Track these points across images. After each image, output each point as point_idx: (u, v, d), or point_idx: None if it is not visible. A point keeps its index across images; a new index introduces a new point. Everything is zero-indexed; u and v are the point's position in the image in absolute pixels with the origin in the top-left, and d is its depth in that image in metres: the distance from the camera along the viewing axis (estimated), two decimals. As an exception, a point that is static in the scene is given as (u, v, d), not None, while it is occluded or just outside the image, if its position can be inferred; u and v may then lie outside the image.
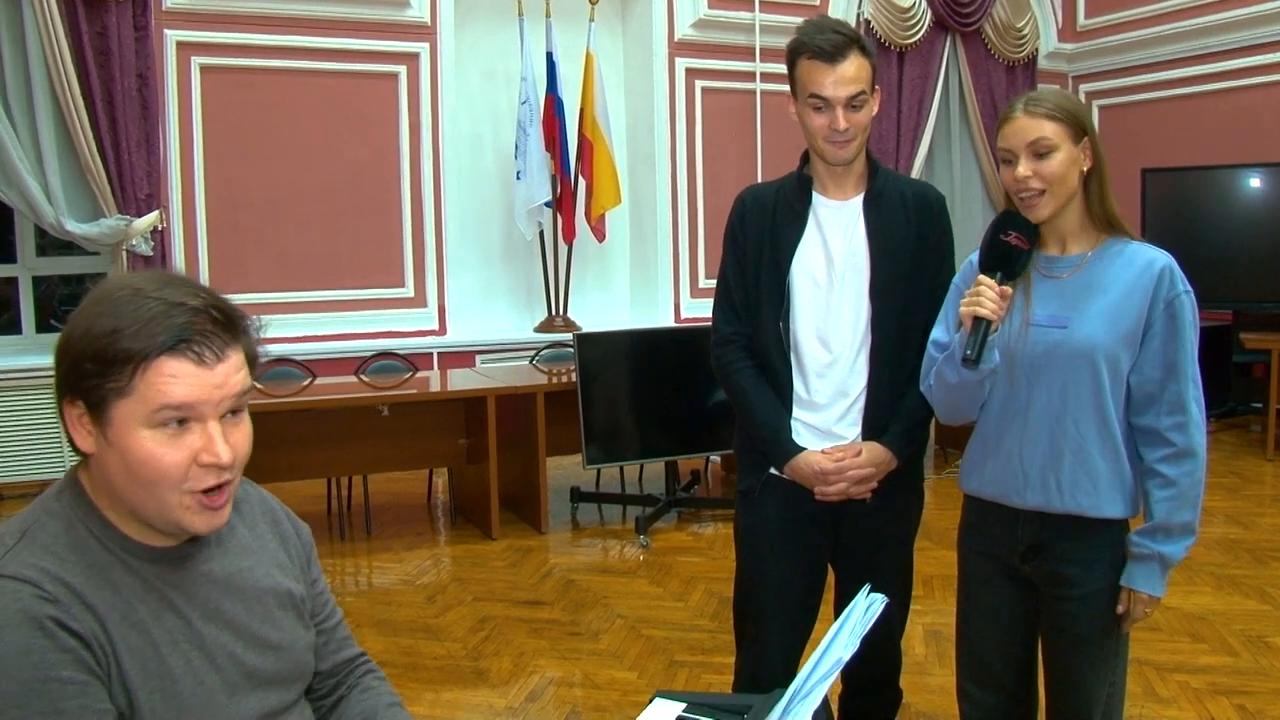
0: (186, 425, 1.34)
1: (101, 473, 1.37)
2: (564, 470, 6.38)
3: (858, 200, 2.53)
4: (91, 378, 1.31)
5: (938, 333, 2.30)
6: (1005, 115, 2.18)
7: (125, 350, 1.30)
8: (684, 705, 1.74)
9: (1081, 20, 9.19)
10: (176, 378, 1.32)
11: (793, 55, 2.47)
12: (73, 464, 1.45)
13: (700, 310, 7.66)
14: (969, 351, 2.10)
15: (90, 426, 1.35)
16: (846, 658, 1.33)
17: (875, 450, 2.51)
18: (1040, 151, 2.12)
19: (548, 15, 7.20)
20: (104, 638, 1.31)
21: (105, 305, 1.34)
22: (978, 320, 2.09)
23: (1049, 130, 2.11)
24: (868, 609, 1.40)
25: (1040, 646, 2.33)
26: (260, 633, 1.49)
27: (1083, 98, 9.12)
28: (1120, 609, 2.18)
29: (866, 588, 1.49)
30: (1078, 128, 2.13)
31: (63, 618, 1.28)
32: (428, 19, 7.11)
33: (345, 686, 1.68)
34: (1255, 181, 7.57)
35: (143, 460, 1.32)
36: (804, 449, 2.52)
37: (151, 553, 1.40)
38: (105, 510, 1.39)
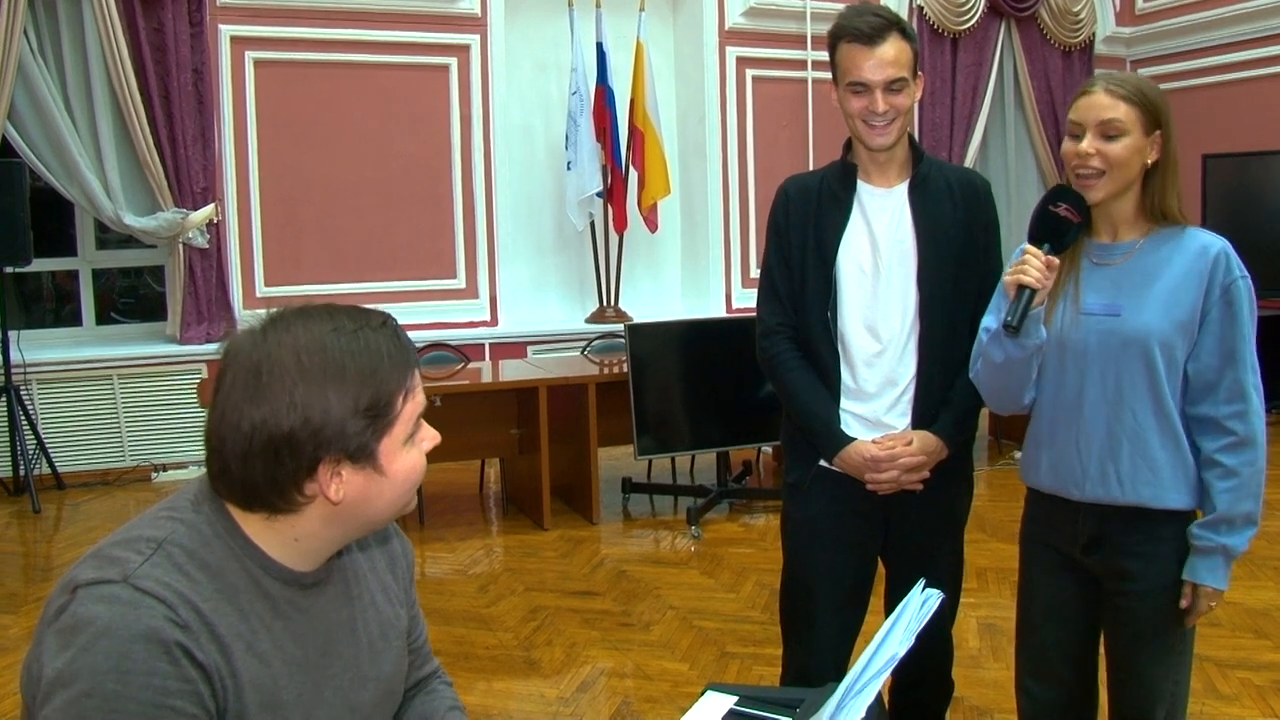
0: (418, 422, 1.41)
1: (355, 505, 1.36)
2: (615, 461, 6.38)
3: (902, 187, 2.50)
4: (365, 432, 1.32)
5: (988, 320, 2.25)
6: (1084, 88, 2.14)
7: (390, 389, 1.34)
8: (735, 699, 1.74)
9: (1140, 3, 8.99)
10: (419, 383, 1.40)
11: (833, 40, 2.45)
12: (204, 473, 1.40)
13: (752, 300, 7.60)
14: (1009, 318, 2.05)
15: (350, 473, 1.34)
16: (901, 654, 1.31)
17: (926, 439, 2.48)
18: (1109, 133, 2.07)
19: (598, 5, 7.20)
20: (226, 670, 1.29)
21: (324, 359, 1.31)
22: (1021, 288, 2.05)
23: (1123, 113, 2.07)
24: (923, 604, 1.38)
25: (1103, 642, 2.30)
26: (368, 664, 1.48)
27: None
28: (1184, 603, 2.13)
29: (921, 583, 1.46)
30: (1153, 118, 2.08)
31: (190, 646, 1.25)
32: (478, 11, 7.14)
33: (413, 694, 1.69)
34: (1321, 166, 7.40)
35: (409, 471, 1.38)
36: (854, 439, 2.49)
37: (289, 575, 1.38)
38: (249, 529, 1.36)
